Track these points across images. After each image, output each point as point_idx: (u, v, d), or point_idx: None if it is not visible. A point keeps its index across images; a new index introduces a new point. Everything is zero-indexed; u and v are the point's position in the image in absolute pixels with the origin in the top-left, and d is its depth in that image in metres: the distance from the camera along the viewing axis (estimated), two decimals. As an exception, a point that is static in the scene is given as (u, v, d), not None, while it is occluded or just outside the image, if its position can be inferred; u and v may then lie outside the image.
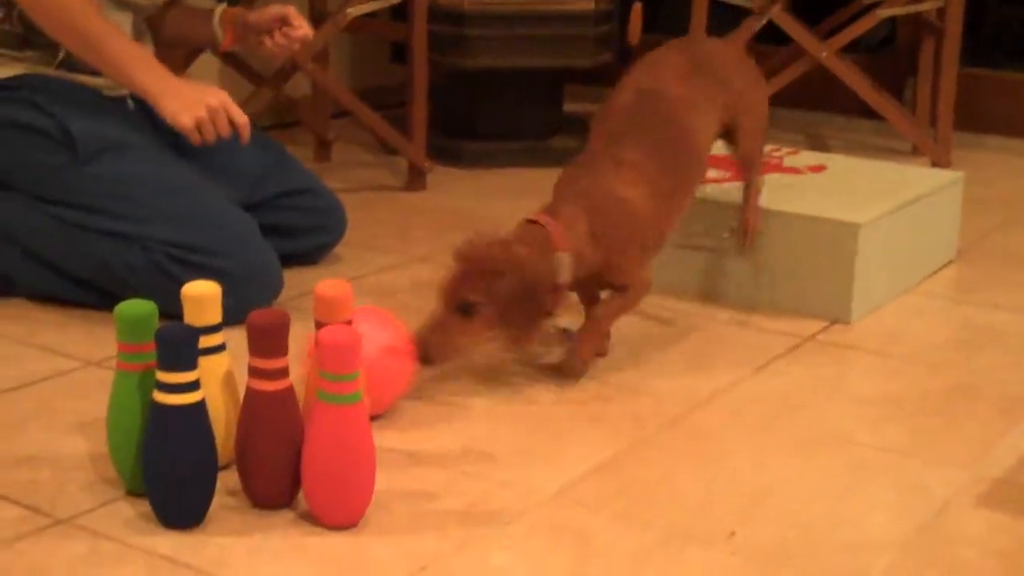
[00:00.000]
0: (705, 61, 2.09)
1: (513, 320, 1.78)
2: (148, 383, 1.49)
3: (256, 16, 2.33)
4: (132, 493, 1.54)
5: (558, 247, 1.82)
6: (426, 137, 3.13)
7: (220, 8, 2.38)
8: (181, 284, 2.05)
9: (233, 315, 2.04)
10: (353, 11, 3.02)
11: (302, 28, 2.32)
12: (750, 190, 2.17)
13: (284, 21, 2.31)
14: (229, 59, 3.11)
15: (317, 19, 3.33)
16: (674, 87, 2.01)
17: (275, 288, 2.15)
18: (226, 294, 2.05)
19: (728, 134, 2.11)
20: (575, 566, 1.43)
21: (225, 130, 2.10)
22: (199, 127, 2.09)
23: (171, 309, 2.09)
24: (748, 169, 2.16)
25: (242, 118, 2.12)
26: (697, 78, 2.04)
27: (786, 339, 2.11)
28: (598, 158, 1.94)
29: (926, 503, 1.60)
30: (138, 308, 1.52)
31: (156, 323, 1.51)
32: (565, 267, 1.83)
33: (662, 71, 2.03)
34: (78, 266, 2.14)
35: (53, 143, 2.11)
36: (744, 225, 2.18)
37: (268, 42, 2.32)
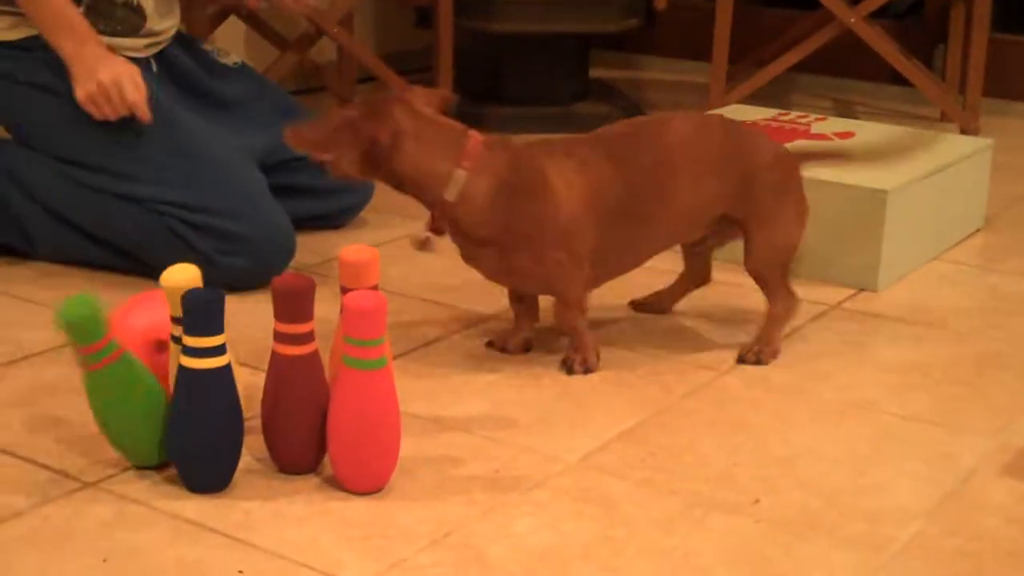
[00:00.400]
0: (736, 142, 1.89)
1: (367, 176, 1.77)
2: (117, 373, 1.48)
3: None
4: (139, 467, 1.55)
5: (461, 161, 1.74)
6: (452, 102, 3.12)
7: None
8: (194, 248, 2.07)
9: (248, 277, 2.06)
10: (379, -25, 3.01)
11: None
12: (766, 317, 1.93)
13: None
14: (254, 24, 3.11)
15: (343, -17, 3.33)
16: (683, 138, 1.85)
17: (287, 249, 2.14)
18: (237, 255, 2.07)
19: (745, 242, 1.91)
20: (599, 532, 1.44)
21: (114, 111, 2.08)
22: (92, 101, 2.08)
23: None
24: (763, 290, 1.93)
25: (133, 96, 2.08)
26: (716, 152, 1.86)
27: (812, 307, 2.11)
28: (559, 142, 1.84)
29: (951, 471, 1.59)
30: (79, 310, 1.45)
31: (104, 317, 1.47)
32: (455, 183, 1.74)
33: (685, 123, 1.87)
34: (96, 227, 2.15)
35: (68, 104, 2.12)
36: (747, 348, 1.92)
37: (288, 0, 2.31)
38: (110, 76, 2.07)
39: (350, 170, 1.75)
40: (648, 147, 1.83)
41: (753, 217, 1.88)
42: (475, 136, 1.77)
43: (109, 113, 2.09)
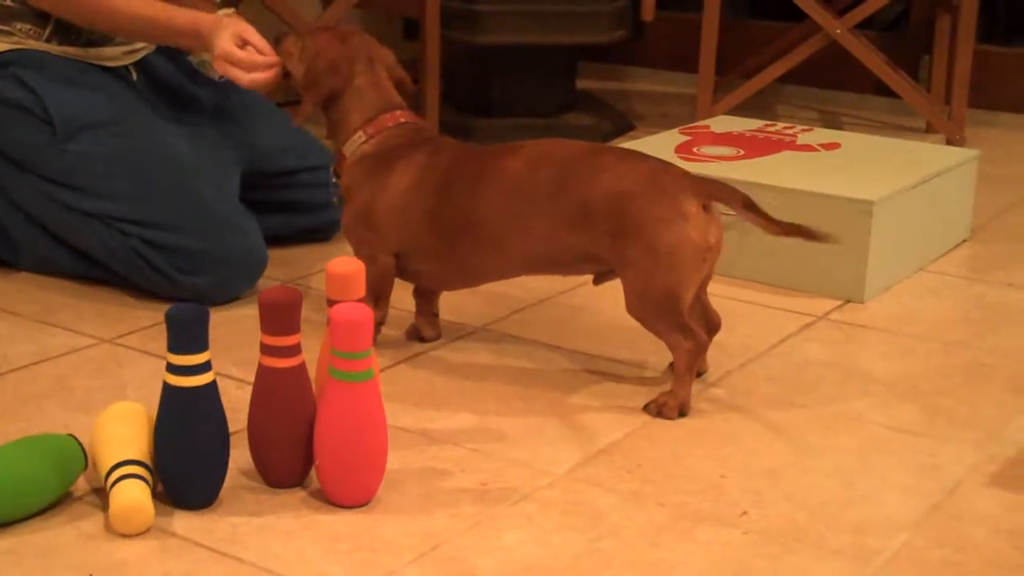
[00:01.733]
0: (572, 179, 1.75)
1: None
2: None
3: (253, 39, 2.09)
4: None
5: (367, 126, 1.88)
6: (439, 114, 3.13)
7: (227, 12, 2.32)
8: (158, 270, 2.06)
9: (214, 294, 2.05)
10: (366, -13, 3.01)
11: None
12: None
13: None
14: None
15: (330, -5, 3.33)
16: (511, 170, 1.79)
17: (253, 265, 2.11)
18: (199, 273, 2.05)
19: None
20: (587, 545, 1.44)
21: (249, 63, 2.05)
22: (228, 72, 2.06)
23: (157, 291, 2.10)
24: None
25: (254, 40, 2.06)
26: (542, 189, 1.76)
27: (799, 318, 2.11)
28: (447, 143, 1.88)
29: (939, 482, 1.59)
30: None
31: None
32: (353, 141, 1.88)
33: (523, 154, 1.80)
34: (73, 241, 2.14)
35: (37, 121, 2.10)
36: (656, 400, 1.77)
37: None
38: (219, 51, 2.03)
39: (313, 104, 1.91)
40: (477, 171, 1.82)
41: (611, 257, 1.74)
42: (396, 114, 1.89)
43: (239, 75, 2.05)
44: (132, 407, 1.54)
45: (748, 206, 1.74)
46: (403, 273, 1.90)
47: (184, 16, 2.07)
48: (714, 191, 1.75)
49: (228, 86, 2.35)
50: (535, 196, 1.77)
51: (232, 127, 2.28)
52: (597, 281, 1.86)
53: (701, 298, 1.82)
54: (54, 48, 2.15)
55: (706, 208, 1.72)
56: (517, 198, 1.78)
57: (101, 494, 1.50)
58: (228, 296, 2.07)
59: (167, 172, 2.08)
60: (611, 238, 1.73)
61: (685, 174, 1.76)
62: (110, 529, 1.43)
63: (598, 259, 1.77)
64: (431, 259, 1.86)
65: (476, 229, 1.81)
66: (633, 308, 1.75)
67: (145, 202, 2.06)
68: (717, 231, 1.73)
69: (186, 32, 2.07)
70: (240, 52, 2.01)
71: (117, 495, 1.43)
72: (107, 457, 1.48)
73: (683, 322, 1.73)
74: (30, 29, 2.14)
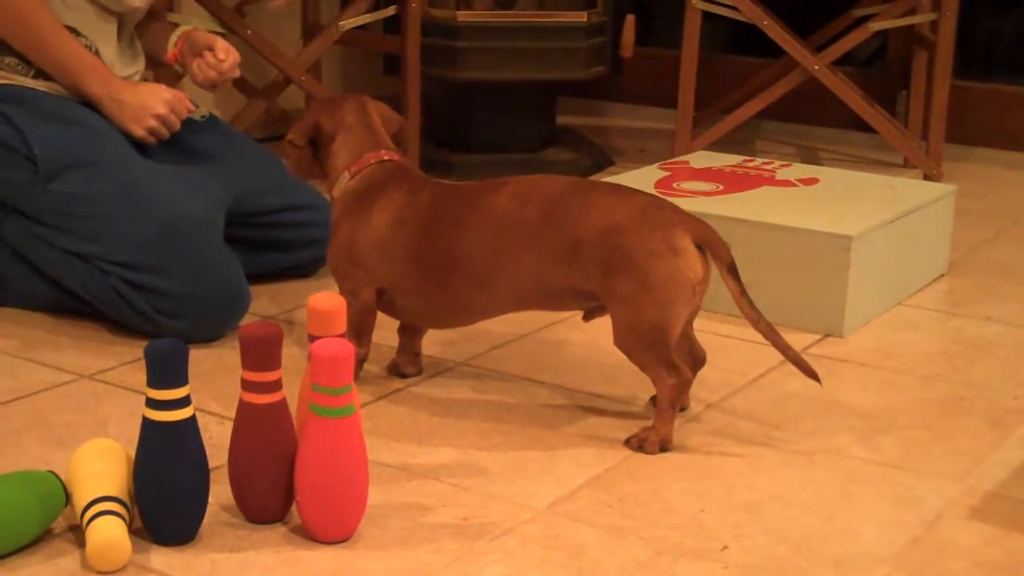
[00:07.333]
0: (561, 213, 1.75)
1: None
2: None
3: (198, 36, 2.31)
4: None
5: (351, 166, 1.89)
6: (419, 150, 3.13)
7: (184, 27, 2.36)
8: (139, 312, 2.06)
9: (195, 335, 2.03)
10: (346, 24, 3.03)
11: (226, 62, 2.27)
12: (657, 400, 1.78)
13: (210, 48, 2.28)
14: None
15: (310, 31, 3.35)
16: (497, 207, 1.79)
17: (234, 307, 2.10)
18: (180, 316, 2.04)
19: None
20: (568, 580, 1.44)
21: (175, 128, 2.19)
22: (152, 134, 2.17)
23: (139, 329, 2.10)
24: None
25: (189, 106, 2.20)
26: (529, 224, 1.76)
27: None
28: (425, 180, 1.90)
29: (918, 516, 1.60)
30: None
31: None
32: (340, 182, 1.90)
33: (508, 190, 1.80)
34: (57, 279, 2.14)
35: (21, 159, 2.11)
36: (637, 435, 1.77)
37: (193, 64, 2.29)
38: (165, 107, 2.15)
39: (299, 142, 1.92)
40: (463, 208, 1.82)
41: (601, 292, 1.74)
42: (380, 153, 1.90)
43: (164, 136, 2.18)
44: (106, 443, 1.54)
45: (731, 270, 1.74)
46: (390, 309, 1.90)
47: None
48: (705, 237, 1.74)
49: (212, 124, 2.36)
50: (523, 231, 1.77)
51: (216, 165, 2.28)
52: (587, 317, 1.86)
53: (687, 333, 1.82)
54: (40, 84, 2.15)
55: (696, 244, 1.73)
56: (505, 234, 1.78)
57: (78, 531, 1.49)
58: (208, 338, 2.07)
59: (150, 214, 2.07)
60: (602, 272, 1.73)
61: (676, 209, 1.76)
62: (88, 566, 1.42)
63: (587, 294, 1.77)
64: (417, 296, 1.86)
65: (463, 266, 1.80)
66: (621, 341, 1.75)
67: (128, 244, 2.05)
68: (706, 266, 1.74)
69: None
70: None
71: (93, 532, 1.42)
72: (83, 494, 1.47)
73: (669, 358, 1.73)
74: (17, 64, 2.14)
